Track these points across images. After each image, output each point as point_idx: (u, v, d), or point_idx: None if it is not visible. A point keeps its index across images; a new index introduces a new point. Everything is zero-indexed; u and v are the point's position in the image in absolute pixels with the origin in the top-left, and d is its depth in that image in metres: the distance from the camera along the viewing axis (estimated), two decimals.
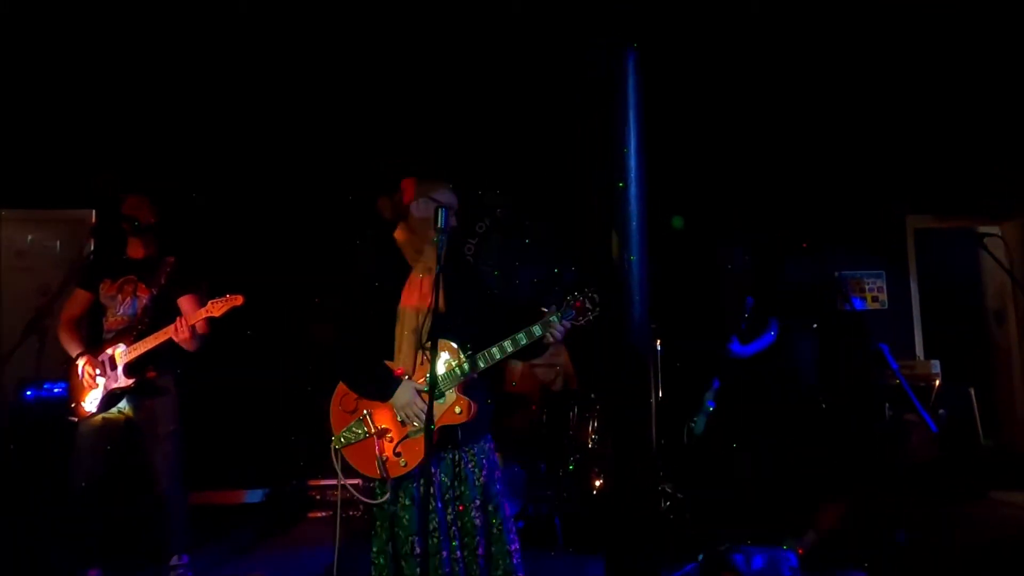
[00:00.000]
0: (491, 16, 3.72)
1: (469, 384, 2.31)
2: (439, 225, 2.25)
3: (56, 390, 4.25)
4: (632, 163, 2.02)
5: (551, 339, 2.29)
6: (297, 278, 4.93)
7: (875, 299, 5.50)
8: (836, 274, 5.36)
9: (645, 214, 2.02)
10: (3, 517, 3.89)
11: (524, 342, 2.27)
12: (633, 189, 2.01)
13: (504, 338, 2.28)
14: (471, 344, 2.34)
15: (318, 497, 4.77)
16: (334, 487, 4.77)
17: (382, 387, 2.30)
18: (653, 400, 2.00)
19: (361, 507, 4.15)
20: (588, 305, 2.26)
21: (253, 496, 4.87)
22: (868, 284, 5.49)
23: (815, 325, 4.94)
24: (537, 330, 2.27)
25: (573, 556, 3.80)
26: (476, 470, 2.34)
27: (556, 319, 2.27)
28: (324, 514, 4.73)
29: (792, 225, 5.17)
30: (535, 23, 3.56)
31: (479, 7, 3.65)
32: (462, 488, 2.31)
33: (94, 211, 5.13)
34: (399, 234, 2.47)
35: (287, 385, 5.01)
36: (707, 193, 5.24)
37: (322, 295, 5.15)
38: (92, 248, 4.87)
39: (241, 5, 3.91)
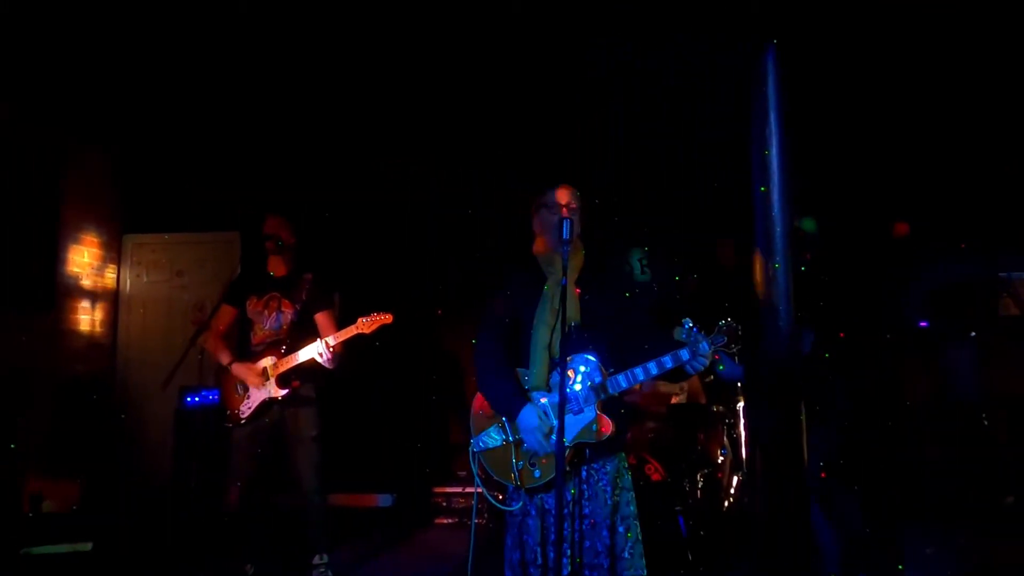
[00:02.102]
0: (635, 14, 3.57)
1: (607, 402, 2.27)
2: (563, 236, 2.23)
3: (211, 397, 4.64)
4: (775, 166, 1.91)
5: (696, 368, 2.19)
6: (422, 290, 5.10)
7: None
8: (1003, 275, 4.79)
9: (790, 220, 1.89)
10: (162, 514, 4.28)
11: (670, 366, 2.20)
12: (776, 194, 1.89)
13: (648, 357, 2.21)
14: (611, 359, 2.29)
15: (444, 504, 4.90)
16: (459, 494, 4.96)
17: (508, 406, 2.30)
18: (803, 416, 1.87)
19: (486, 515, 4.21)
20: (740, 333, 2.17)
21: (384, 500, 5.07)
22: None
23: (972, 333, 4.49)
24: (684, 354, 2.18)
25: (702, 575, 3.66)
26: (608, 488, 2.30)
27: (707, 344, 2.17)
28: (450, 521, 4.84)
29: (944, 222, 4.69)
30: (676, 21, 3.40)
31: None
32: (592, 506, 2.28)
33: (240, 233, 5.58)
34: (535, 248, 2.49)
35: (414, 393, 5.20)
36: (856, 193, 4.78)
37: (446, 307, 5.32)
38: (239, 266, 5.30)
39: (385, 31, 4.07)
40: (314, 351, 3.29)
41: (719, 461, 4.01)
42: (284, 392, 3.36)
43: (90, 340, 5.42)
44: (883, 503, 3.56)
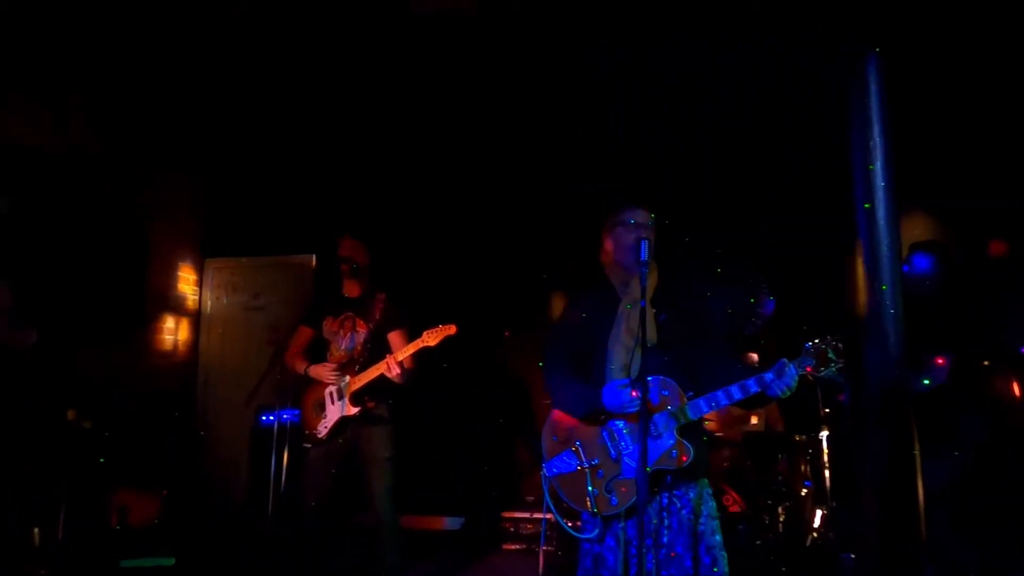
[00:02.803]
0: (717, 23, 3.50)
1: (686, 427, 2.20)
2: (640, 257, 2.19)
3: (285, 416, 4.76)
4: (880, 181, 1.80)
5: (777, 393, 2.09)
6: (493, 311, 5.10)
7: None
8: None
9: (898, 237, 1.77)
10: (238, 529, 4.37)
11: (755, 390, 2.11)
12: (882, 211, 1.78)
13: (729, 381, 2.13)
14: (690, 382, 2.22)
15: (512, 529, 4.82)
16: (527, 520, 4.88)
17: (589, 398, 2.25)
18: (917, 450, 1.74)
19: (555, 542, 4.12)
20: (831, 355, 2.05)
21: (453, 523, 5.04)
22: None
23: None
24: (769, 377, 2.09)
25: None
26: (690, 516, 2.20)
27: (794, 367, 2.08)
28: (518, 547, 4.77)
29: None
30: (775, 28, 3.29)
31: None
32: (673, 535, 2.19)
33: (314, 256, 5.74)
34: (607, 269, 2.45)
35: (482, 416, 5.18)
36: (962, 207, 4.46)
37: (513, 328, 5.30)
38: (315, 288, 5.43)
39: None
40: (382, 367, 3.32)
41: (802, 494, 3.80)
42: (357, 410, 3.40)
43: (173, 359, 5.66)
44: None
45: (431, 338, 3.28)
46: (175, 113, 5.31)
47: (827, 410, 4.13)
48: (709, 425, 4.31)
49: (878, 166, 1.75)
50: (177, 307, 5.71)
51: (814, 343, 2.08)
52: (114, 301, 4.77)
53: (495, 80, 4.77)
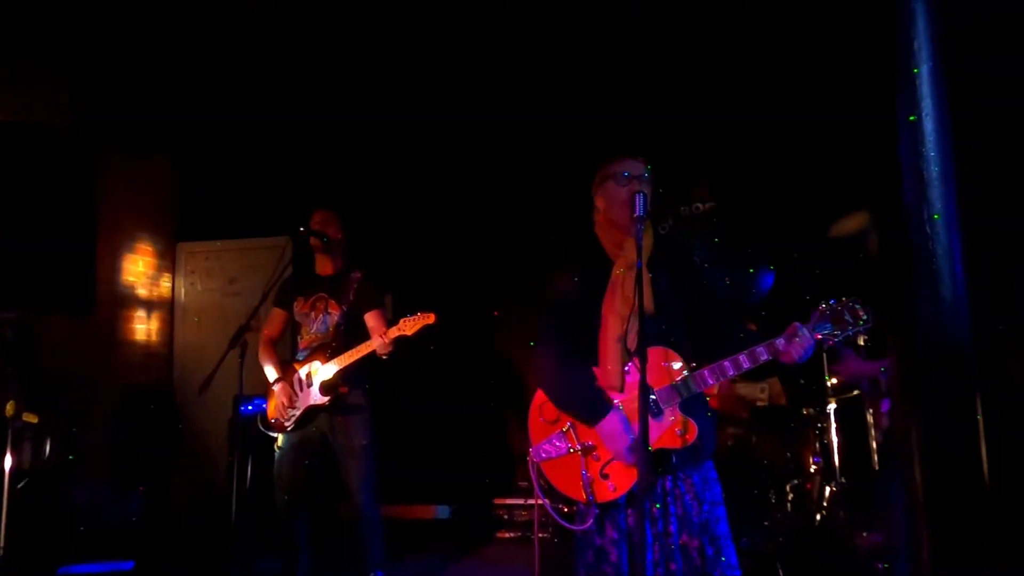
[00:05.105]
0: None
1: (690, 401, 1.96)
2: (636, 213, 1.93)
3: (265, 406, 4.52)
4: (926, 87, 1.51)
5: (795, 356, 1.88)
6: (479, 291, 4.86)
7: None
8: None
9: (951, 156, 1.50)
10: (222, 527, 4.15)
11: (764, 357, 1.89)
12: (931, 123, 1.50)
13: (737, 349, 1.90)
14: (693, 353, 1.99)
15: (505, 517, 4.61)
16: (521, 507, 4.67)
17: (589, 410, 2.00)
18: (980, 415, 1.50)
19: (551, 528, 3.90)
20: (848, 317, 1.85)
21: (442, 512, 4.83)
22: None
23: None
24: (781, 343, 1.88)
25: None
26: (696, 503, 1.97)
27: (808, 332, 1.87)
28: (512, 535, 4.55)
29: None
30: None
31: None
32: (679, 523, 1.96)
33: (290, 236, 5.46)
34: (597, 228, 2.19)
35: (472, 400, 4.96)
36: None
37: (503, 308, 5.05)
38: (288, 264, 5.16)
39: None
40: (365, 348, 3.07)
41: (811, 470, 3.59)
42: (326, 399, 3.14)
43: (147, 350, 5.39)
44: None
45: (408, 327, 3.03)
46: (147, 93, 5.02)
47: (833, 381, 3.93)
48: (713, 403, 4.09)
49: (924, 70, 1.48)
50: (149, 295, 5.44)
51: (828, 304, 1.88)
52: (63, 288, 4.48)
53: (474, 47, 4.48)
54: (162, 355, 5.55)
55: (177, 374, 5.59)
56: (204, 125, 5.25)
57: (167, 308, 5.61)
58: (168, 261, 5.64)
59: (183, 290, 5.70)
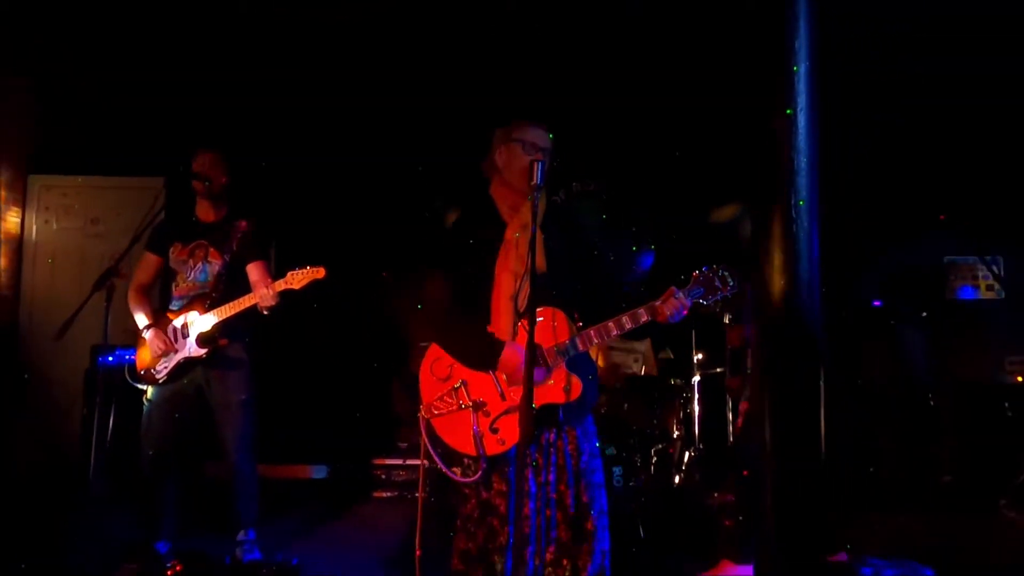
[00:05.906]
0: None
1: (576, 359, 2.08)
2: (534, 180, 2.02)
3: (128, 357, 4.22)
4: (803, 85, 1.67)
5: (669, 316, 2.03)
6: (367, 249, 4.76)
7: (990, 288, 4.97)
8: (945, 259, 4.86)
9: (817, 149, 1.67)
10: (72, 486, 3.87)
11: (645, 319, 2.04)
12: (803, 117, 1.66)
13: (621, 310, 2.04)
14: (579, 313, 2.11)
15: (383, 476, 4.63)
16: (400, 467, 4.69)
17: (486, 352, 2.08)
18: (822, 385, 1.69)
19: (428, 488, 3.97)
20: (717, 283, 2.03)
21: (318, 472, 4.77)
22: (981, 271, 4.96)
23: (924, 314, 4.51)
24: (659, 304, 2.03)
25: (655, 551, 3.56)
26: (575, 454, 2.11)
27: (683, 294, 2.03)
28: (389, 494, 4.58)
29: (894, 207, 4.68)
30: None
31: None
32: (558, 472, 2.09)
33: (165, 178, 5.07)
34: (493, 189, 2.25)
35: (354, 359, 4.89)
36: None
37: (391, 269, 4.99)
38: (162, 209, 4.81)
39: None
40: (247, 301, 2.94)
41: (674, 436, 3.89)
42: (204, 351, 3.00)
43: None
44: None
45: (295, 280, 2.93)
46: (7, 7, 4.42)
47: (699, 356, 4.26)
48: None
49: (802, 69, 1.63)
50: None
51: (701, 271, 2.07)
52: None
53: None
54: (6, 297, 5.03)
55: (23, 319, 5.10)
56: (72, 49, 4.73)
57: (14, 246, 5.07)
58: (17, 194, 5.08)
59: (35, 227, 5.18)
